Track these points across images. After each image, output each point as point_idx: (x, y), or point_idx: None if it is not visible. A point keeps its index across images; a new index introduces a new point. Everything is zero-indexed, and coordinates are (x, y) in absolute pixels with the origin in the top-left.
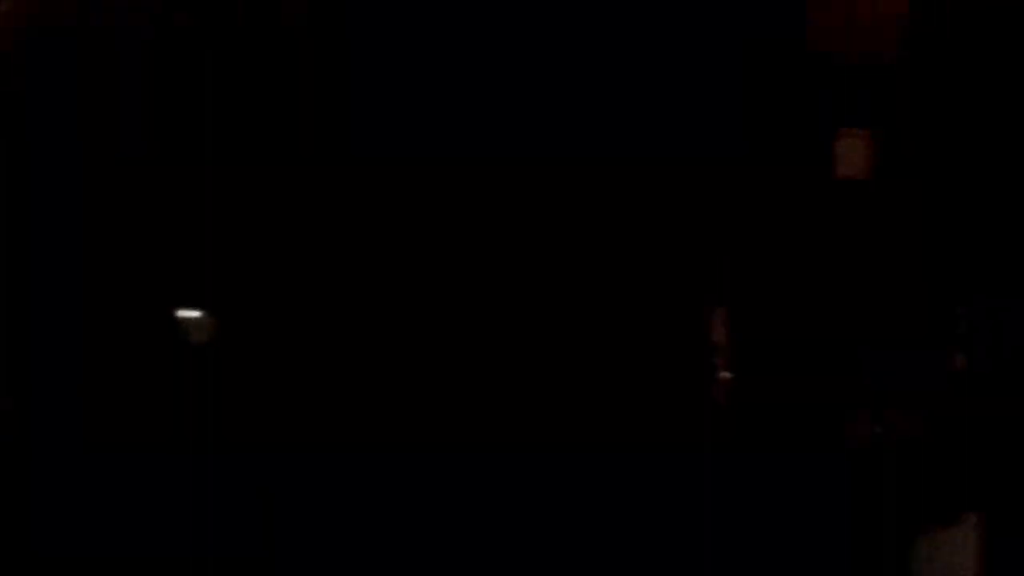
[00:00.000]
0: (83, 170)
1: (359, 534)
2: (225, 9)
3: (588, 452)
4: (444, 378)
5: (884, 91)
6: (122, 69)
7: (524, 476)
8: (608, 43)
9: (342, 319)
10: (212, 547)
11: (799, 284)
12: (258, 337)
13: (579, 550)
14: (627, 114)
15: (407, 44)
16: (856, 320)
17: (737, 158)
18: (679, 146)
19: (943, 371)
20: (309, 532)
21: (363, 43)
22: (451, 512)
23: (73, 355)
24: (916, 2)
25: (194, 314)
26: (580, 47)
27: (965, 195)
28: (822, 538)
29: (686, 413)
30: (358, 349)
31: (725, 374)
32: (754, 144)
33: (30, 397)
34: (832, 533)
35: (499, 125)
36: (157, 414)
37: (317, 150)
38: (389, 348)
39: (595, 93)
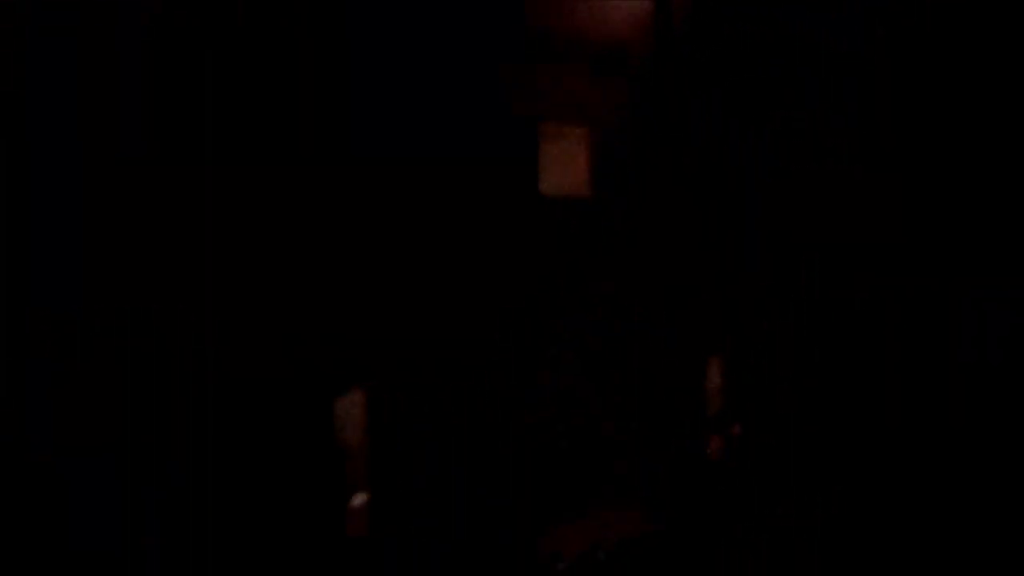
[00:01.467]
0: (83, 170)
1: None
2: (225, 9)
3: None
4: None
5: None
6: (122, 69)
7: None
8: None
9: (341, 318)
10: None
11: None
12: (258, 336)
13: None
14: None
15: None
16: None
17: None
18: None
19: None
20: None
21: (363, 43)
22: None
23: (73, 354)
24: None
25: None
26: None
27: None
28: None
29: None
30: (357, 348)
31: (359, 499)
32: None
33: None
34: None
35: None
36: (156, 413)
37: (317, 150)
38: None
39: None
